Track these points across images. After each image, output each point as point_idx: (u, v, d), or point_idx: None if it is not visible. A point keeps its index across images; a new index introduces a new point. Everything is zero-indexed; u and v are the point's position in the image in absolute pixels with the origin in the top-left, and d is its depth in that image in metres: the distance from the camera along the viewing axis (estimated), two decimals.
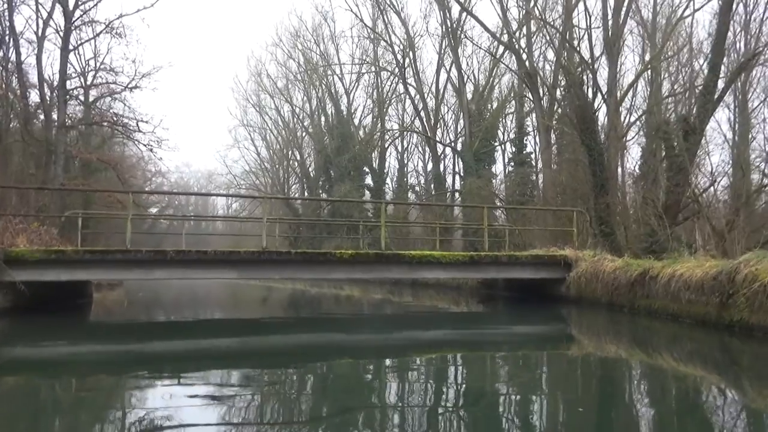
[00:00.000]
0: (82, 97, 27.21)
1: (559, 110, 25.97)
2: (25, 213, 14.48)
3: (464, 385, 5.84)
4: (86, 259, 10.29)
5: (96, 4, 22.31)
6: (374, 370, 6.69)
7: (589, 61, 22.21)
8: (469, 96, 32.63)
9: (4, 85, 22.98)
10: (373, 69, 37.53)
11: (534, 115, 28.91)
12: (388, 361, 7.33)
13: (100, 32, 22.71)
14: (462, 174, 32.38)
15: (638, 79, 23.96)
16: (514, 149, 32.40)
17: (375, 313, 14.49)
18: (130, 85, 23.76)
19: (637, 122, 24.87)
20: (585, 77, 22.38)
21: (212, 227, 50.33)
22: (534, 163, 31.05)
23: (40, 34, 23.15)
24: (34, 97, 24.56)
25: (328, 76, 40.00)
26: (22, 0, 22.74)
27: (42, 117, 23.62)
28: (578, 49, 23.20)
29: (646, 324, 9.94)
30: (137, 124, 23.90)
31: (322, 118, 42.28)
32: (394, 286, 24.64)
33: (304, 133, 44.75)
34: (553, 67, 26.70)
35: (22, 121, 21.97)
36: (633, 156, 26.18)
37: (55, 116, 22.67)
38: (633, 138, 25.04)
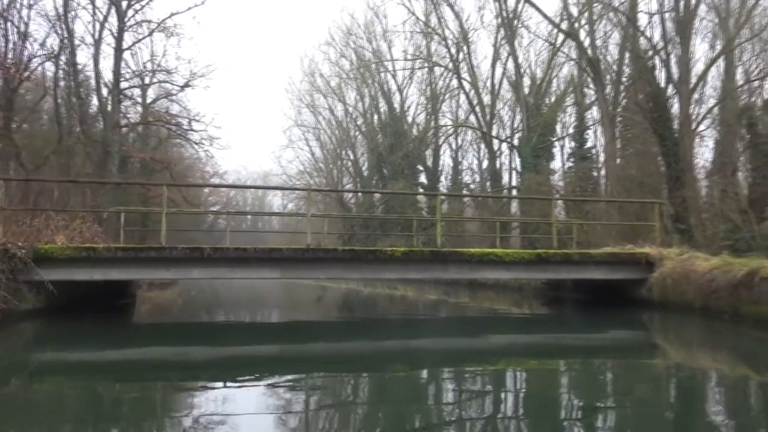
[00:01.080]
0: (138, 98, 27.04)
1: (625, 100, 23.90)
2: (61, 208, 13.76)
3: (534, 400, 4.92)
4: (119, 257, 9.35)
5: (147, 3, 21.76)
6: (434, 381, 5.69)
7: (660, 45, 20.15)
8: (526, 90, 30.81)
9: (66, 89, 22.86)
10: (426, 65, 36.10)
11: (596, 106, 26.94)
12: (448, 371, 6.13)
13: (153, 31, 22.20)
14: (519, 170, 30.57)
15: (713, 64, 21.69)
16: (574, 144, 30.39)
17: (430, 316, 13.15)
18: (183, 85, 23.24)
19: (710, 113, 22.59)
20: (655, 63, 20.38)
21: (269, 226, 50.04)
22: (596, 158, 28.99)
23: (97, 36, 22.91)
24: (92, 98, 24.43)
25: (380, 73, 38.85)
26: (80, 5, 22.59)
27: (101, 118, 23.42)
28: (646, 33, 21.19)
29: (754, 335, 8.22)
30: (190, 123, 23.39)
31: (375, 117, 41.16)
32: (449, 286, 23.22)
33: (357, 132, 43.75)
34: (617, 55, 24.62)
35: (79, 123, 21.71)
36: (705, 148, 23.76)
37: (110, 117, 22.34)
38: (705, 129, 22.79)
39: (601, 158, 27.63)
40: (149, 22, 22.40)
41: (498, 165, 33.43)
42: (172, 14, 22.15)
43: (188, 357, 6.78)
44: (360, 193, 41.27)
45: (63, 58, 22.46)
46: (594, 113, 28.90)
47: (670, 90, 19.98)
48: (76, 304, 10.36)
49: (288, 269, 10.28)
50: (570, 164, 31.24)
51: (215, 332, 9.69)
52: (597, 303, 12.69)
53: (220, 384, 5.17)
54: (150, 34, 22.26)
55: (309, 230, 10.62)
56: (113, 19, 22.59)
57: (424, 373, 6.12)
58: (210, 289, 22.12)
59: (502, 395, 4.96)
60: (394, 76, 39.05)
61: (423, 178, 37.54)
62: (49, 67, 23.30)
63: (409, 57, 36.66)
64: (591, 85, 26.76)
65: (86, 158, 23.27)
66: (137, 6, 21.93)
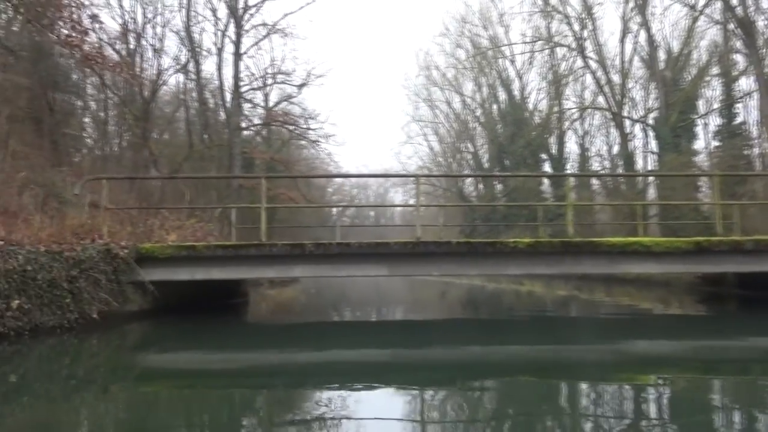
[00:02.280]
0: (261, 103, 27.43)
1: None
2: (173, 206, 13.59)
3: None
4: (219, 256, 8.68)
5: (261, 2, 21.70)
6: (572, 396, 4.49)
7: None
8: (662, 65, 27.39)
9: (195, 98, 23.59)
10: (547, 46, 33.50)
11: (748, 76, 23.19)
12: (587, 384, 4.79)
13: (268, 33, 22.18)
14: (657, 153, 27.26)
15: None
16: (721, 120, 26.51)
17: (561, 315, 11.41)
18: (300, 84, 23.04)
19: None
20: None
21: (390, 223, 49.57)
22: (749, 134, 25.05)
23: (219, 45, 23.36)
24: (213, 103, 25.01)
25: (498, 60, 36.76)
26: (205, 18, 23.18)
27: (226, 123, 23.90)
28: None
29: None
30: (306, 121, 23.15)
31: (494, 106, 39.11)
32: (581, 281, 20.99)
33: (475, 124, 41.92)
34: None
35: (204, 128, 22.24)
36: None
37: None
38: None
39: (755, 134, 23.83)
40: (264, 25, 22.45)
41: (631, 149, 30.17)
42: (286, 15, 22.00)
43: (295, 361, 6.16)
44: (481, 186, 39.47)
45: (190, 68, 23.15)
46: (744, 83, 25.03)
47: None
48: (185, 304, 9.91)
49: (396, 265, 9.09)
50: (716, 143, 27.35)
51: (327, 333, 8.82)
52: None
53: (325, 392, 4.60)
54: (266, 36, 22.25)
55: (418, 221, 9.37)
56: (232, 27, 22.96)
57: (561, 386, 4.82)
58: (331, 287, 21.66)
59: (664, 417, 3.70)
60: (512, 62, 36.79)
61: (547, 167, 34.95)
62: (181, 78, 24.20)
63: (527, 40, 34.25)
64: (741, 51, 23.09)
65: (212, 163, 23.81)
66: (252, 10, 22.03)
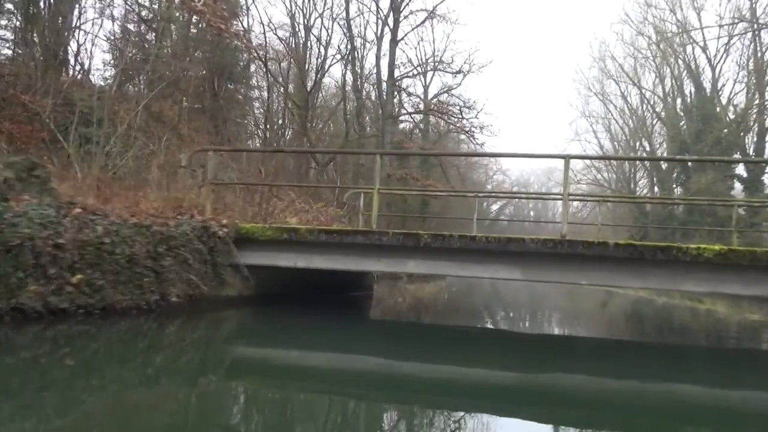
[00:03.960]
0: (416, 92, 26.29)
1: None
2: (295, 184, 12.63)
3: None
4: (322, 242, 7.36)
5: None
6: None
7: None
8: None
9: (353, 88, 23.13)
10: (750, 29, 27.99)
11: None
12: None
13: (426, 19, 20.83)
14: None
15: None
16: None
17: (754, 348, 8.58)
18: (456, 71, 21.39)
19: None
20: None
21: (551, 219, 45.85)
22: None
23: (379, 33, 22.59)
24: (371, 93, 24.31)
25: (686, 48, 31.69)
26: (368, 8, 22.54)
27: (380, 111, 23.10)
28: None
29: None
30: (461, 111, 21.44)
31: (678, 100, 33.93)
32: None
33: (655, 120, 36.86)
34: None
35: (356, 116, 21.60)
36: None
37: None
38: None
39: None
40: (423, 10, 21.14)
41: None
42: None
43: (401, 371, 5.21)
44: (656, 189, 34.57)
45: (350, 58, 22.66)
46: None
47: None
48: (295, 293, 8.81)
49: (532, 268, 7.07)
50: None
51: (452, 340, 7.33)
52: None
53: (423, 415, 3.91)
54: (424, 21, 20.92)
55: (565, 215, 7.23)
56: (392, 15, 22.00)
57: None
58: (480, 286, 19.72)
59: None
60: (704, 50, 31.46)
61: (741, 170, 29.33)
62: (344, 71, 23.86)
63: (725, 22, 28.95)
64: None
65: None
66: None
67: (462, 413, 4.02)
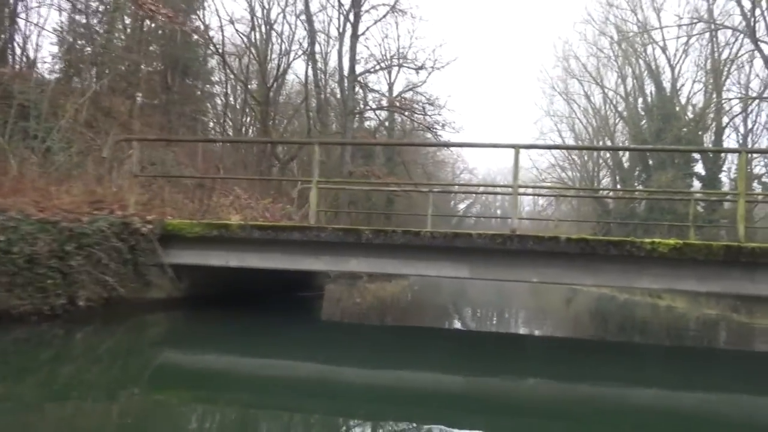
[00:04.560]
0: (379, 88, 25.72)
1: None
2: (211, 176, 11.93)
3: None
4: (255, 239, 6.72)
5: None
6: None
7: None
8: None
9: (314, 83, 22.41)
10: (709, 28, 28.21)
11: None
12: None
13: (386, 14, 20.28)
14: None
15: None
16: None
17: (711, 347, 8.25)
18: (419, 67, 20.87)
19: None
20: None
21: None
22: None
23: (341, 29, 21.96)
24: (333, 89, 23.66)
25: (647, 48, 31.84)
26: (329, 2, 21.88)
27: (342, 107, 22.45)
28: None
29: None
30: (423, 108, 20.93)
31: (639, 100, 34.11)
32: (739, 298, 16.69)
33: (617, 119, 37.02)
34: None
35: (316, 111, 20.92)
36: None
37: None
38: None
39: None
40: (384, 5, 20.55)
41: None
42: None
43: (341, 377, 4.80)
44: (618, 186, 34.66)
45: (311, 54, 21.96)
46: None
47: None
48: (238, 293, 8.15)
49: (481, 266, 6.54)
50: None
51: (403, 342, 6.81)
52: None
53: (354, 427, 3.56)
54: (385, 15, 20.35)
55: (515, 209, 6.72)
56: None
57: None
58: (443, 283, 19.16)
59: None
60: (664, 50, 31.66)
61: (699, 168, 29.52)
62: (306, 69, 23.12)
63: (684, 22, 29.13)
64: None
65: (327, 150, 22.45)
66: None
67: (399, 424, 3.69)
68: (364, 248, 6.60)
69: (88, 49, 16.13)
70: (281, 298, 9.20)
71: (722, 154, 28.22)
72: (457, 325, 9.82)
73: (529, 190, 26.24)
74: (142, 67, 19.34)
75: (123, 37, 18.91)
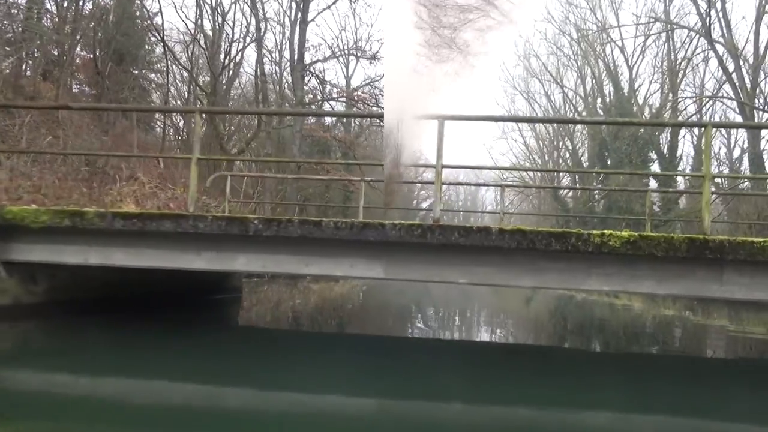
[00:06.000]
0: (337, 81, 24.32)
1: None
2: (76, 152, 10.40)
3: None
4: (118, 230, 5.24)
5: None
6: None
7: None
8: None
9: (260, 72, 20.87)
10: (665, 29, 27.62)
11: None
12: None
13: (335, 1, 18.85)
14: None
15: None
16: None
17: (666, 352, 7.11)
18: (371, 57, 19.53)
19: None
20: None
21: (481, 221, 44.92)
22: None
23: (293, 18, 20.50)
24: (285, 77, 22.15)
25: (605, 48, 31.20)
26: None
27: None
28: None
29: None
30: (377, 100, 19.59)
31: (599, 100, 33.48)
32: (698, 299, 15.84)
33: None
34: None
35: (262, 101, 19.39)
36: None
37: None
38: None
39: None
40: None
41: (764, 146, 23.79)
42: None
43: (224, 401, 3.63)
44: (578, 186, 33.95)
45: (258, 41, 20.42)
46: None
47: None
48: (126, 297, 6.65)
49: (399, 263, 5.20)
50: None
51: (323, 352, 5.48)
52: None
53: None
54: (334, 2, 18.92)
55: (438, 194, 5.40)
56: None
57: None
58: (399, 283, 17.78)
59: None
60: (622, 50, 31.05)
61: (656, 168, 28.97)
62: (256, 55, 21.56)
63: (641, 22, 28.49)
64: None
65: (278, 142, 20.94)
66: None
67: None
68: (253, 242, 5.19)
69: (5, 22, 14.35)
70: (191, 302, 7.72)
71: (678, 155, 27.67)
72: (390, 332, 8.48)
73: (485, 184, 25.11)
74: (78, 51, 17.62)
75: (54, 17, 17.14)
